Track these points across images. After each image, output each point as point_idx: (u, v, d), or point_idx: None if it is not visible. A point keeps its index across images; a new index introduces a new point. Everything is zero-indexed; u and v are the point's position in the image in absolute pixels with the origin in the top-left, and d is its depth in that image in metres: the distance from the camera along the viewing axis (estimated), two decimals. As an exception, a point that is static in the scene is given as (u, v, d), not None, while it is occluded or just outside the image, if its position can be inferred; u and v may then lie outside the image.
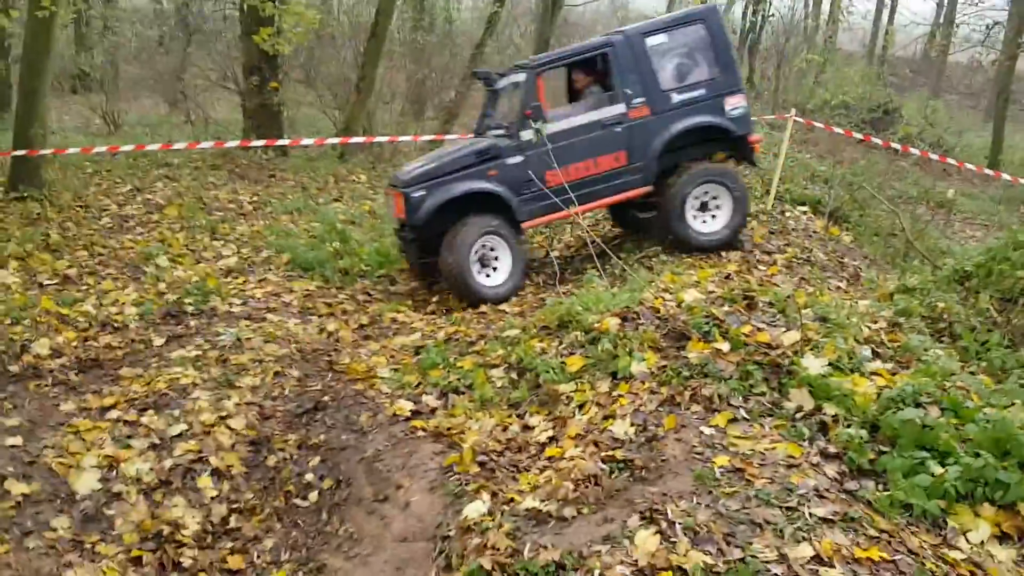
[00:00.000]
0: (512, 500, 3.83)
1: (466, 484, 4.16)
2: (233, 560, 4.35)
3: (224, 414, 5.29)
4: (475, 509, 3.75)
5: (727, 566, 3.09)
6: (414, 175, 7.19)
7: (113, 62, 18.38)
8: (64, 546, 4.21)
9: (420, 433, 4.90)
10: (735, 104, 7.47)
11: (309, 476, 4.87)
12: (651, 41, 7.36)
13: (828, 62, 19.24)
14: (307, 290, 7.75)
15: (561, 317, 5.43)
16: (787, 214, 8.86)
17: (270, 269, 8.24)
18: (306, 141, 11.69)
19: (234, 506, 4.70)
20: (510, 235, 7.14)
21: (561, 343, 5.25)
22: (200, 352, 6.08)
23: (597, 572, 3.14)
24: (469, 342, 6.01)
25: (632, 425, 4.18)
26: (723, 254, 7.31)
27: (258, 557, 4.41)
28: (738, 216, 7.45)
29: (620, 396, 4.51)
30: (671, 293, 5.46)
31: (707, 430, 3.99)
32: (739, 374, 4.31)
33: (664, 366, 4.58)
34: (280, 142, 12.00)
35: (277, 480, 4.90)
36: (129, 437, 5.00)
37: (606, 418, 4.39)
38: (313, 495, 4.76)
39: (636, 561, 3.18)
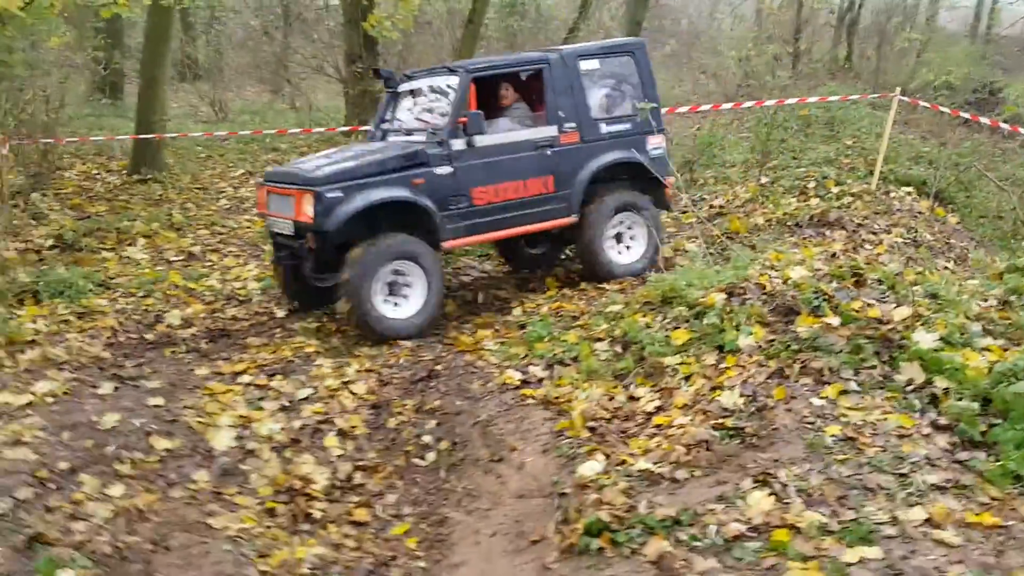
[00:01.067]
0: (624, 462, 4.02)
1: (578, 447, 4.36)
2: (359, 513, 4.65)
3: (346, 380, 5.63)
4: (590, 468, 3.95)
5: (841, 526, 3.20)
6: (328, 172, 6.18)
7: (218, 51, 19.20)
8: (205, 497, 4.58)
9: (530, 401, 5.12)
10: (656, 144, 7.24)
11: (427, 438, 5.15)
12: (584, 65, 7.01)
13: (930, 41, 18.64)
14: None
15: (664, 293, 5.56)
16: (891, 195, 8.75)
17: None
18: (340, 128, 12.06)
19: (358, 464, 5.01)
20: (429, 258, 6.32)
21: (665, 318, 5.39)
22: (320, 323, 6.45)
23: (713, 528, 3.30)
24: (572, 317, 6.20)
25: (741, 396, 4.30)
26: (827, 233, 7.29)
27: (382, 511, 4.70)
28: (653, 246, 7.19)
29: (727, 368, 4.63)
30: (776, 270, 5.53)
31: (817, 401, 4.08)
32: (850, 348, 4.38)
33: (772, 340, 4.67)
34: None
35: (397, 441, 5.20)
36: (260, 399, 5.38)
37: (713, 389, 4.52)
38: (431, 455, 5.04)
39: (750, 519, 3.32)
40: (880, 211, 8.20)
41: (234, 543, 4.11)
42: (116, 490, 4.45)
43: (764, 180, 9.84)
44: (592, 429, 4.52)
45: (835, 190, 9.05)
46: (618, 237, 7.17)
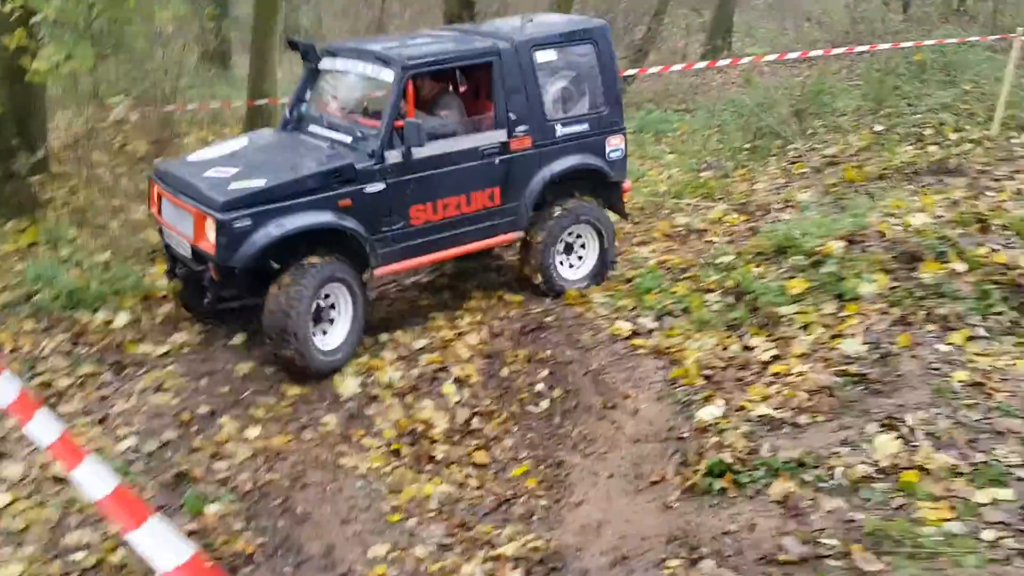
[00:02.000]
0: (743, 408, 4.05)
1: (693, 394, 4.41)
2: (478, 455, 4.83)
3: (459, 331, 5.80)
4: (709, 412, 4.00)
5: (972, 467, 3.17)
6: (235, 194, 4.93)
7: (319, 19, 19.56)
8: (335, 439, 4.83)
9: (641, 351, 5.18)
10: (616, 146, 6.24)
11: (539, 386, 5.28)
12: (540, 56, 5.82)
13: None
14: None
15: (778, 243, 5.51)
16: (1013, 141, 8.34)
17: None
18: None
19: (475, 410, 5.18)
20: (356, 285, 5.34)
21: (779, 267, 5.34)
22: (430, 279, 6.65)
23: (839, 470, 3.31)
24: (681, 269, 6.19)
25: (864, 344, 4.26)
26: (946, 181, 7.02)
27: (500, 454, 4.87)
28: (603, 259, 6.32)
29: (847, 317, 4.58)
30: (897, 218, 5.40)
31: (944, 347, 4.01)
32: (976, 294, 4.27)
33: (895, 287, 4.59)
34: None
35: (511, 389, 5.34)
36: (382, 349, 5.60)
37: (833, 338, 4.48)
38: (544, 403, 5.17)
39: (877, 462, 3.32)
40: (1002, 158, 7.83)
41: (365, 480, 4.35)
42: (253, 432, 4.76)
43: (878, 128, 9.49)
44: (707, 377, 4.55)
45: (953, 137, 8.67)
46: (568, 248, 6.23)
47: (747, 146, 9.79)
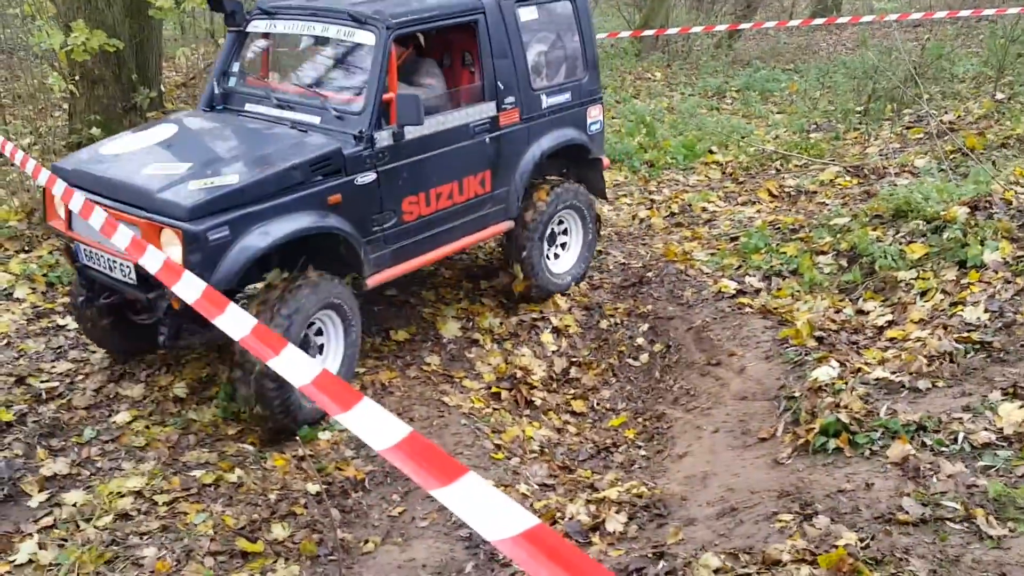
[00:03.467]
0: (860, 370, 3.96)
1: (805, 355, 4.33)
2: (576, 404, 4.87)
3: (560, 282, 5.82)
4: (825, 372, 3.92)
5: (1106, 442, 3.04)
6: (206, 197, 3.82)
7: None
8: (437, 378, 4.93)
9: (747, 310, 5.11)
10: (595, 117, 5.60)
11: (640, 340, 5.27)
12: (524, 14, 5.05)
13: None
14: (616, 180, 8.11)
15: (897, 206, 5.32)
16: None
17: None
18: (600, 35, 11.86)
19: (573, 360, 5.21)
20: (349, 306, 4.33)
21: (898, 232, 5.17)
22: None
23: (960, 435, 3.22)
24: (791, 229, 6.05)
25: (986, 311, 4.10)
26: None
27: (597, 404, 4.90)
28: (588, 250, 5.76)
29: (970, 284, 4.41)
30: (1022, 186, 5.15)
31: (1074, 319, 3.84)
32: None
33: (1020, 256, 4.40)
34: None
35: (610, 341, 5.35)
36: (482, 295, 5.67)
37: (954, 304, 4.33)
38: (644, 356, 5.16)
39: (1001, 429, 3.22)
40: None
41: (469, 418, 4.44)
42: (362, 367, 4.89)
43: (1000, 96, 9.02)
44: (819, 339, 4.46)
45: (1084, 108, 8.19)
46: (551, 238, 5.58)
47: (860, 108, 9.45)
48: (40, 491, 3.83)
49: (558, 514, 3.48)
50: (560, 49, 5.43)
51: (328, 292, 4.17)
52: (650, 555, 2.99)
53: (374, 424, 2.00)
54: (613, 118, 9.97)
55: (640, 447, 4.32)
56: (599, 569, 1.45)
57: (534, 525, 1.54)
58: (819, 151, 8.13)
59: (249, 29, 4.95)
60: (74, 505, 3.74)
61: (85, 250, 4.27)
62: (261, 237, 3.91)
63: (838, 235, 5.48)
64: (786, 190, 7.19)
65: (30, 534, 3.56)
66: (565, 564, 1.47)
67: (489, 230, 5.16)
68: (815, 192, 6.99)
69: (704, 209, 7.25)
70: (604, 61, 13.17)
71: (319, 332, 4.32)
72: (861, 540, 2.69)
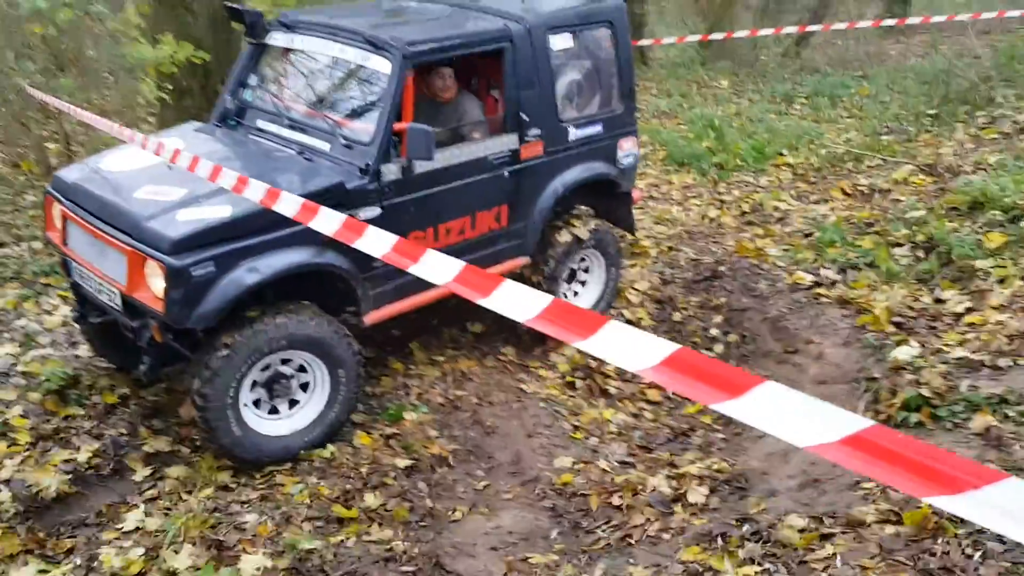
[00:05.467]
0: (940, 350, 3.97)
1: (884, 339, 4.35)
2: (651, 393, 4.94)
3: (628, 278, 5.90)
4: (905, 352, 3.95)
5: None
6: (190, 229, 3.64)
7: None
8: (513, 367, 5.05)
9: (824, 300, 5.13)
10: (628, 150, 5.27)
11: (714, 331, 5.32)
12: (555, 42, 4.76)
13: None
14: (685, 182, 8.17)
15: (974, 198, 5.30)
16: None
17: (648, 164, 8.76)
18: (667, 40, 11.93)
19: (647, 351, 5.28)
20: (341, 344, 4.02)
21: (975, 223, 5.15)
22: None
23: (1047, 409, 3.22)
24: (866, 223, 6.05)
25: (1069, 295, 4.08)
26: None
27: (672, 393, 4.97)
28: (611, 287, 5.42)
29: (1051, 270, 4.38)
30: (1106, 176, 5.09)
31: None
32: None
33: (1104, 242, 4.35)
34: (642, 42, 12.30)
35: (683, 333, 5.42)
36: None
37: (1035, 290, 4.31)
38: (719, 347, 5.21)
39: (1088, 404, 3.21)
40: None
41: (547, 402, 4.56)
42: (441, 355, 5.05)
43: (1079, 96, 8.86)
44: (898, 324, 4.47)
45: None
46: (571, 275, 5.29)
47: (931, 111, 9.34)
48: (144, 466, 4.06)
49: (639, 487, 3.56)
50: (595, 78, 5.16)
51: (296, 327, 3.84)
52: (733, 522, 3.06)
53: (627, 346, 1.88)
54: (680, 124, 10.05)
55: (718, 430, 4.38)
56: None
57: (867, 427, 1.48)
58: (892, 152, 8.08)
59: (268, 41, 4.77)
60: (176, 478, 3.95)
61: (76, 268, 4.13)
62: (249, 273, 3.68)
63: (914, 227, 5.47)
64: (859, 188, 7.17)
65: (136, 505, 3.78)
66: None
67: (502, 266, 4.84)
68: (889, 190, 6.95)
69: (776, 208, 7.27)
70: (671, 70, 13.27)
71: (305, 384, 4.06)
72: (947, 502, 2.72)
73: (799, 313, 5.08)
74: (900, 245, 5.41)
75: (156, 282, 3.58)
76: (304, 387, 4.05)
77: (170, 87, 7.36)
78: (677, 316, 5.58)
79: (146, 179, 4.01)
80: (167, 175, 4.01)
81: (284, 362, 3.95)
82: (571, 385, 4.97)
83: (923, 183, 6.90)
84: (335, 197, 3.86)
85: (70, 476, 3.88)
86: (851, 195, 7.07)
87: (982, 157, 7.26)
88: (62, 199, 4.12)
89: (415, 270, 2.59)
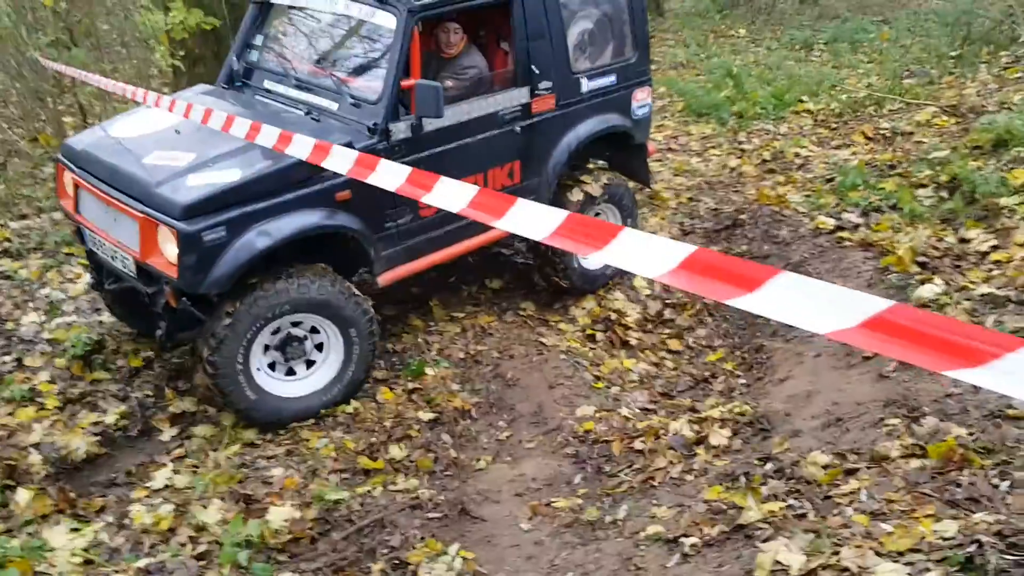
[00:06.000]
0: (964, 288, 3.92)
1: (908, 279, 4.29)
2: (672, 343, 4.92)
3: (648, 229, 5.86)
4: (929, 290, 3.90)
5: None
6: (200, 193, 3.61)
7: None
8: (533, 322, 5.05)
9: (847, 243, 5.07)
10: (642, 101, 5.14)
11: (735, 280, 5.28)
12: None
13: None
14: (704, 133, 8.07)
15: (998, 135, 5.19)
16: None
17: (666, 116, 8.66)
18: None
19: (667, 302, 5.25)
20: (351, 305, 3.99)
21: (999, 160, 5.04)
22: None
23: (1075, 340, 3.17)
24: (889, 166, 5.95)
25: (1097, 228, 4.00)
26: None
27: (693, 342, 4.95)
28: None
29: (1079, 204, 4.30)
30: None
31: None
32: None
33: None
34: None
35: (705, 282, 5.37)
36: (574, 241, 5.76)
37: (1061, 225, 4.23)
38: (739, 296, 5.17)
39: (1119, 335, 3.15)
40: None
41: (568, 354, 4.55)
42: (461, 312, 5.05)
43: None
44: (922, 264, 4.41)
45: None
46: None
47: (953, 54, 9.13)
48: (170, 426, 4.11)
49: (661, 431, 3.56)
50: (607, 26, 5.01)
51: (307, 289, 3.82)
52: (756, 462, 3.05)
53: (643, 252, 1.87)
54: (698, 74, 9.91)
55: (739, 376, 4.36)
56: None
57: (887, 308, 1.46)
58: (914, 95, 7.92)
59: (273, 1, 4.67)
60: (203, 437, 4.00)
61: (90, 236, 4.12)
62: (261, 237, 3.66)
63: (937, 168, 5.38)
64: (881, 132, 7.04)
65: (164, 463, 3.83)
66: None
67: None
68: (911, 133, 6.82)
69: (797, 155, 7.16)
70: (685, 19, 13.07)
71: (320, 344, 4.06)
72: (970, 434, 2.70)
73: (821, 257, 5.02)
74: (923, 186, 5.32)
75: (169, 248, 3.58)
76: (319, 347, 4.05)
77: (182, 54, 7.35)
78: (697, 266, 5.53)
79: (154, 144, 3.99)
80: (176, 140, 4.01)
81: (295, 324, 3.94)
82: (591, 338, 4.96)
83: (946, 124, 6.76)
84: None
85: (98, 438, 3.94)
86: (873, 139, 6.95)
87: (1006, 96, 7.10)
88: (72, 166, 4.11)
89: (429, 199, 2.58)
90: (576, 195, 4.95)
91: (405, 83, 3.97)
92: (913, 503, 2.57)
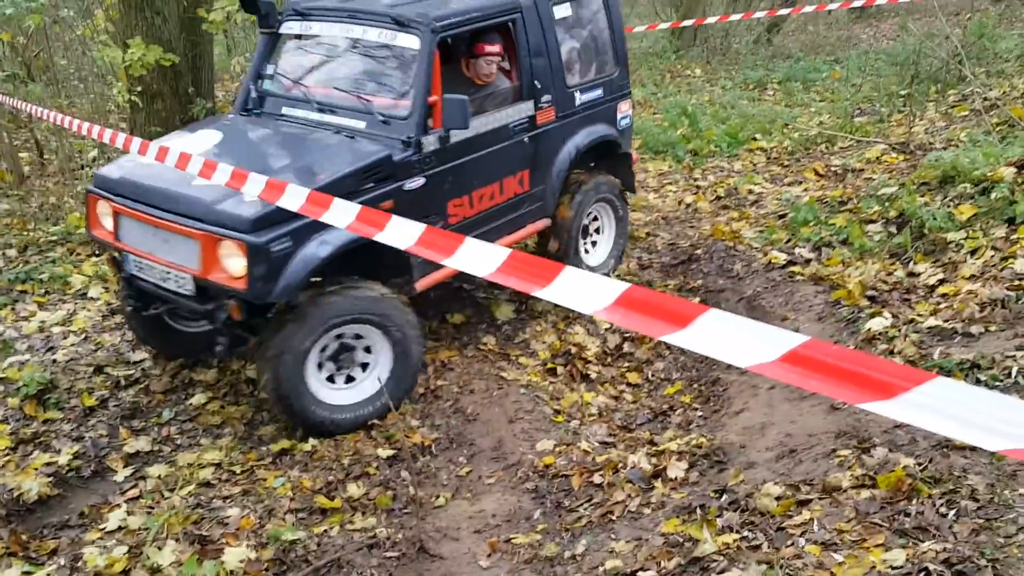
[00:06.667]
0: (913, 321, 4.02)
1: (858, 312, 4.39)
2: (631, 376, 4.97)
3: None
4: (878, 323, 3.99)
5: None
6: (266, 208, 3.69)
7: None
8: (494, 356, 5.07)
9: (798, 278, 5.18)
10: (625, 112, 5.63)
11: (692, 313, 5.35)
12: (558, 11, 5.06)
13: None
14: (660, 170, 8.22)
15: (944, 172, 5.36)
16: None
17: (624, 152, 8.80)
18: (638, 28, 11.98)
19: (625, 335, 5.31)
20: (397, 313, 4.17)
21: (945, 196, 5.21)
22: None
23: (1014, 369, 3.27)
24: (839, 202, 6.11)
25: (1037, 261, 4.14)
26: None
27: (652, 375, 5.00)
28: (621, 241, 5.80)
29: (1019, 239, 4.45)
30: (1071, 145, 5.16)
31: None
32: None
33: (1072, 208, 4.42)
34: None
35: (663, 316, 5.44)
36: (534, 276, 5.81)
37: (1004, 259, 4.37)
38: (697, 329, 5.24)
39: (1057, 364, 3.26)
40: None
41: (528, 388, 4.57)
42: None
43: (1046, 71, 8.96)
44: (872, 298, 4.52)
45: None
46: (583, 231, 5.59)
47: (903, 92, 9.42)
48: (125, 466, 4.05)
49: (620, 464, 3.59)
50: (592, 45, 5.40)
51: (359, 301, 4.02)
52: (711, 494, 3.09)
53: (583, 290, 1.96)
54: (655, 113, 10.10)
55: (697, 409, 4.41)
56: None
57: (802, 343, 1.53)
58: (864, 132, 8.15)
59: (282, 31, 4.88)
60: (158, 477, 3.94)
61: (135, 260, 4.18)
62: (320, 247, 3.84)
63: (886, 203, 5.53)
64: (832, 169, 7.24)
65: (118, 504, 3.77)
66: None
67: (527, 229, 5.19)
68: (862, 169, 7.02)
69: (750, 191, 7.32)
70: (643, 59, 13.33)
71: (368, 348, 4.22)
72: (919, 464, 2.76)
73: (774, 291, 5.12)
74: (873, 221, 5.46)
75: (234, 262, 3.72)
76: (367, 352, 4.23)
77: (139, 90, 7.33)
78: (655, 300, 5.60)
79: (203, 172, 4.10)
80: (219, 160, 4.05)
81: (339, 336, 4.12)
82: (552, 371, 4.99)
83: (895, 161, 6.96)
84: (386, 169, 4.15)
85: (51, 479, 3.88)
86: (824, 176, 7.13)
87: (953, 133, 7.34)
88: (110, 195, 4.18)
89: (380, 237, 2.64)
90: (579, 193, 5.32)
91: (431, 99, 4.25)
92: (864, 533, 2.62)
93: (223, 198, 3.81)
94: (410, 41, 4.33)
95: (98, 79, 8.99)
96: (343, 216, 2.82)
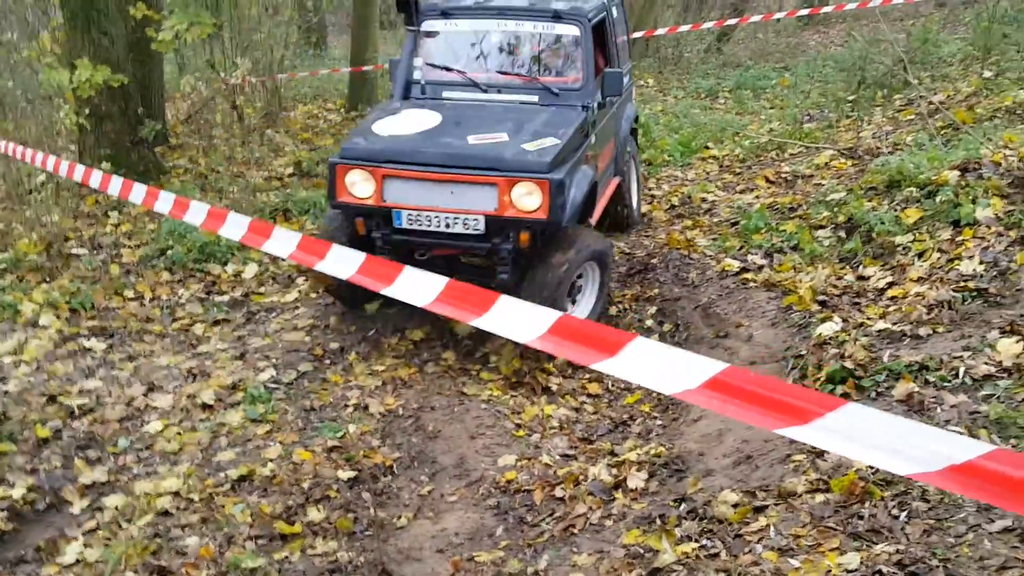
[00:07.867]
0: (862, 324, 4.10)
1: (809, 318, 4.47)
2: (591, 387, 4.99)
3: (568, 273, 5.97)
4: (828, 328, 4.06)
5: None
6: (550, 155, 4.63)
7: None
8: (455, 372, 5.07)
9: (751, 284, 5.25)
10: (634, 95, 7.30)
11: (648, 322, 5.41)
12: (615, 10, 6.39)
13: None
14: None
15: (891, 176, 5.48)
16: None
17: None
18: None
19: (586, 347, 5.34)
20: (610, 254, 5.35)
21: (892, 200, 5.32)
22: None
23: (961, 370, 3.35)
24: (789, 208, 6.21)
25: (981, 263, 4.24)
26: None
27: (612, 385, 5.03)
28: (640, 186, 7.23)
29: (964, 241, 4.56)
30: (1011, 149, 5.30)
31: (1067, 261, 3.97)
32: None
33: (1011, 210, 4.54)
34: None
35: (620, 325, 5.48)
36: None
37: (950, 261, 4.47)
38: (654, 337, 5.29)
39: (1000, 362, 3.35)
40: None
41: (488, 403, 4.57)
42: (381, 365, 5.04)
43: (987, 74, 9.20)
44: (822, 303, 4.60)
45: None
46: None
47: (851, 97, 9.62)
48: (81, 498, 3.97)
49: (581, 477, 3.60)
50: (622, 40, 6.61)
51: (596, 242, 5.03)
52: (671, 503, 3.11)
53: (517, 320, 2.05)
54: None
55: (656, 417, 4.44)
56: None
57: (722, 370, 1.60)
58: (813, 139, 8.30)
59: (425, 28, 5.64)
60: (115, 508, 3.86)
61: (408, 215, 4.80)
62: (579, 185, 4.86)
63: (835, 209, 5.63)
64: (783, 176, 7.36)
65: (75, 537, 3.69)
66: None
67: (612, 185, 6.27)
68: (811, 175, 7.15)
69: (704, 200, 7.42)
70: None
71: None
72: (871, 467, 2.81)
73: (728, 298, 5.19)
74: (823, 227, 5.57)
75: (531, 199, 4.57)
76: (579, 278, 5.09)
77: (88, 113, 7.22)
78: (613, 310, 5.65)
79: (458, 131, 4.93)
80: (465, 127, 4.95)
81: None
82: (512, 385, 5.00)
83: (844, 167, 7.10)
84: (584, 129, 5.11)
85: (5, 513, 3.78)
86: (775, 183, 7.25)
87: (899, 138, 7.51)
88: (373, 162, 4.79)
89: (321, 266, 2.70)
90: (629, 153, 6.65)
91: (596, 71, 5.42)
92: (819, 537, 2.67)
93: (512, 151, 4.68)
94: (571, 30, 5.42)
95: (45, 102, 8.83)
96: (284, 246, 2.88)
